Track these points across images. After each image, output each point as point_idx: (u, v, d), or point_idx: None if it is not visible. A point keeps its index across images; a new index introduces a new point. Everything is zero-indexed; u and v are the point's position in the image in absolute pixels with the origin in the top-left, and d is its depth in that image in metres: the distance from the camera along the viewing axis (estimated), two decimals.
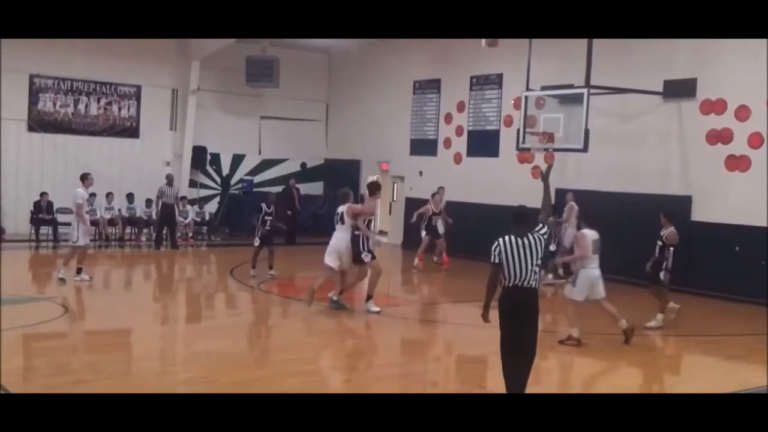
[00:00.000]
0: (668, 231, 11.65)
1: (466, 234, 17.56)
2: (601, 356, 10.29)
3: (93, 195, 20.22)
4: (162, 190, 19.88)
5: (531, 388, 8.72)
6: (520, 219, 7.12)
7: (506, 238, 6.94)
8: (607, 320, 10.86)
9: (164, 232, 19.97)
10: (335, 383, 8.75)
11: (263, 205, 15.70)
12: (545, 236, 7.05)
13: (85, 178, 14.33)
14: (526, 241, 6.91)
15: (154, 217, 20.86)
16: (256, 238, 15.50)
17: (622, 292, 14.50)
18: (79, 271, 14.05)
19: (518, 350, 6.99)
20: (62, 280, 13.78)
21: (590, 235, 10.44)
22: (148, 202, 20.95)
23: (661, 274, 11.67)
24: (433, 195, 18.07)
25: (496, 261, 6.91)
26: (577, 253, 10.62)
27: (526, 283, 6.91)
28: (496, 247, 6.93)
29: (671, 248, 11.57)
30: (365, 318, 12.02)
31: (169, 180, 20.15)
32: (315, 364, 9.63)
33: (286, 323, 12.31)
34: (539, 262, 6.97)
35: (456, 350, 10.82)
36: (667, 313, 11.86)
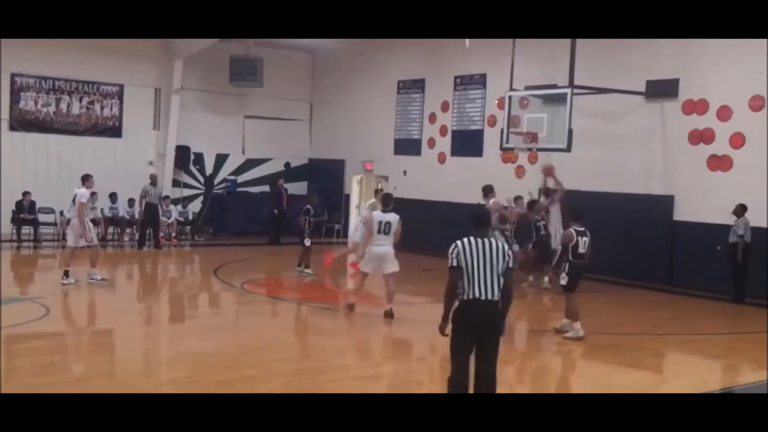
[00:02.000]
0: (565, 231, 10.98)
1: (451, 234, 17.56)
2: (585, 356, 10.34)
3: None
4: (146, 189, 19.80)
5: (517, 388, 8.78)
6: (477, 221, 6.59)
7: (464, 240, 6.34)
8: (599, 320, 10.93)
9: (147, 232, 19.89)
10: (321, 383, 8.74)
11: (309, 207, 16.01)
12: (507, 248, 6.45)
13: (86, 178, 14.22)
14: (487, 243, 6.34)
15: (136, 216, 20.78)
16: (307, 239, 15.78)
17: (602, 290, 14.63)
18: (66, 273, 13.93)
19: (473, 361, 6.39)
20: (69, 283, 13.78)
21: (377, 216, 11.80)
22: (131, 201, 20.86)
23: (561, 278, 11.08)
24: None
25: (454, 264, 6.27)
26: (366, 234, 12.07)
27: (489, 296, 6.24)
28: (453, 249, 6.31)
29: (561, 247, 10.93)
30: (351, 318, 12.03)
31: (153, 180, 20.07)
32: (300, 364, 9.61)
33: (271, 323, 12.30)
34: (501, 271, 6.32)
35: (441, 350, 10.80)
36: (566, 324, 11.10)
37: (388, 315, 11.78)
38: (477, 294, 6.25)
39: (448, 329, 6.49)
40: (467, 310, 6.30)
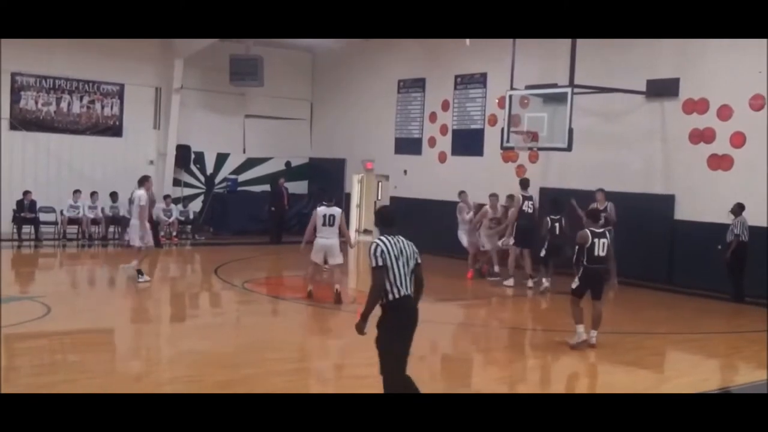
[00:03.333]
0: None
1: (450, 233, 17.55)
2: (585, 355, 10.33)
3: (78, 192, 20.19)
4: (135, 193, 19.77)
5: (516, 387, 8.78)
6: (387, 219, 6.56)
7: (383, 239, 6.31)
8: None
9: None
10: (320, 382, 8.76)
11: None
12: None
13: (145, 180, 14.60)
14: (400, 241, 6.37)
15: None
16: None
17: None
18: (139, 272, 14.16)
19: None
20: (144, 281, 14.10)
21: (321, 210, 12.76)
22: (131, 202, 20.84)
23: (573, 281, 10.48)
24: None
25: (380, 264, 6.19)
26: (309, 228, 12.97)
27: (410, 292, 6.35)
28: (377, 248, 6.22)
29: (576, 247, 10.32)
30: (349, 317, 12.02)
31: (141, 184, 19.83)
32: (300, 363, 9.62)
33: (272, 322, 12.30)
34: (412, 268, 6.38)
35: (440, 349, 10.84)
36: (579, 333, 10.34)
37: (337, 300, 12.65)
38: (404, 291, 6.30)
39: (368, 328, 6.45)
40: (401, 309, 6.32)
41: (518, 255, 15.42)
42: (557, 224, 14.66)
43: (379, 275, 6.23)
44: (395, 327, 6.31)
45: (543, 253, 14.80)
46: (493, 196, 16.13)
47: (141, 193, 14.30)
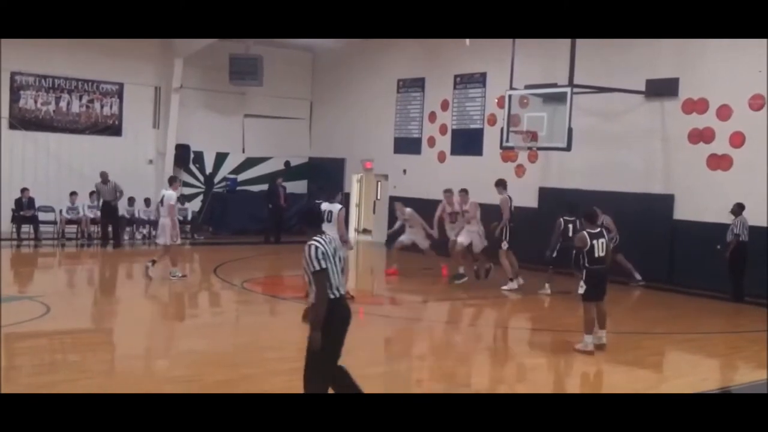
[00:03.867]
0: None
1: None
2: (585, 355, 10.32)
3: (74, 194, 20.19)
4: (97, 187, 19.75)
5: (515, 387, 8.78)
6: (312, 220, 6.56)
7: (320, 239, 6.18)
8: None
9: (109, 230, 19.74)
10: None
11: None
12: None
13: (174, 180, 15.15)
14: (333, 243, 6.30)
15: (137, 215, 20.90)
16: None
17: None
18: (152, 262, 14.70)
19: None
20: (149, 278, 14.57)
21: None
22: (131, 200, 20.89)
23: (579, 286, 10.30)
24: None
25: (324, 266, 6.05)
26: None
27: (344, 289, 6.35)
28: (317, 251, 6.05)
29: (574, 251, 10.24)
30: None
31: (103, 177, 19.77)
32: (300, 363, 9.59)
33: (271, 322, 12.30)
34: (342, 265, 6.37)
35: (440, 349, 10.84)
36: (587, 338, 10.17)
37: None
38: (342, 291, 6.27)
39: None
40: (339, 308, 6.23)
41: (507, 255, 15.17)
42: (570, 225, 14.54)
43: (323, 278, 6.07)
44: (333, 327, 6.18)
45: (554, 254, 14.49)
46: (448, 192, 16.18)
47: (171, 193, 14.66)
